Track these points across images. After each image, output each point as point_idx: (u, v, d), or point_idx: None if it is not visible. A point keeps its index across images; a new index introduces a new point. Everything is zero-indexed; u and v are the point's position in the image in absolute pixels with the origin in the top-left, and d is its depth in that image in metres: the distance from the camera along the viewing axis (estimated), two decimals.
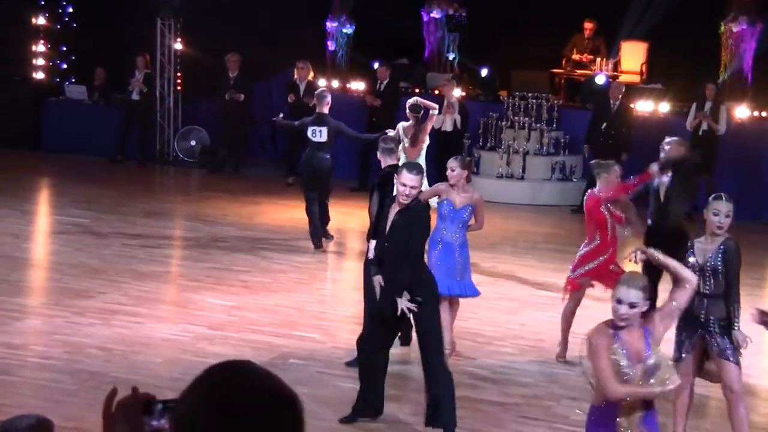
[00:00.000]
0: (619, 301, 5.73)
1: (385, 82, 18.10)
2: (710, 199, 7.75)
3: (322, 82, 19.13)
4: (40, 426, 4.36)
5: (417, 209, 7.90)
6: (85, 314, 10.21)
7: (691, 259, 7.41)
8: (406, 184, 7.89)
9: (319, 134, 13.24)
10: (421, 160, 12.49)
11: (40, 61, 20.72)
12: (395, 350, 9.65)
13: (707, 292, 7.46)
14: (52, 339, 9.45)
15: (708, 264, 7.46)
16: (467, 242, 9.53)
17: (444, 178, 9.93)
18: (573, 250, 14.53)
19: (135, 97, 19.59)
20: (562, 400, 8.71)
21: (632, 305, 5.71)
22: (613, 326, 5.77)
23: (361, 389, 8.16)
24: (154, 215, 15.17)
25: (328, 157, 13.35)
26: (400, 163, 13.44)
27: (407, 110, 13.11)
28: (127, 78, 19.64)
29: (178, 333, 9.83)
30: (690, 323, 7.49)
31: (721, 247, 7.49)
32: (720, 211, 7.54)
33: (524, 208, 17.15)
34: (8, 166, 18.41)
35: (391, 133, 11.99)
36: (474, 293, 9.65)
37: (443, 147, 17.58)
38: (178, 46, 20.22)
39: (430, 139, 13.39)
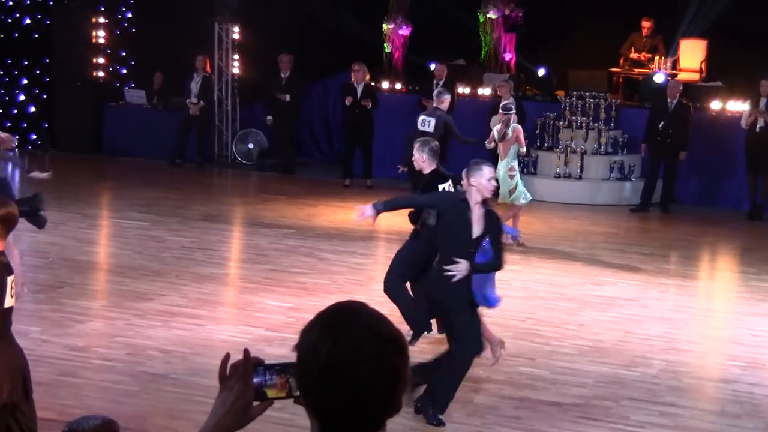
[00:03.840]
0: None
1: (441, 82, 18.08)
2: None
3: (384, 84, 19.24)
4: (106, 427, 4.42)
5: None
6: (145, 316, 10.31)
7: None
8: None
9: (427, 124, 14.12)
10: (511, 160, 13.89)
11: (101, 66, 20.98)
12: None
13: None
14: (113, 341, 9.56)
15: None
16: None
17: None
18: (632, 249, 14.51)
19: (192, 112, 19.64)
20: (622, 401, 8.64)
21: None
22: None
23: None
24: (213, 218, 15.28)
25: None
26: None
27: (500, 110, 14.27)
28: (186, 81, 19.80)
29: (237, 335, 9.89)
30: None
31: None
32: None
33: (582, 208, 17.06)
34: (70, 170, 18.66)
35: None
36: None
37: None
38: (235, 61, 20.37)
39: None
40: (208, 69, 19.93)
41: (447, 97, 14.57)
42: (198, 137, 19.84)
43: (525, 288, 11.93)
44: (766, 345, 10.22)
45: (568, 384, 8.99)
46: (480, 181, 7.92)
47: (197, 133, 19.82)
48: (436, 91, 14.99)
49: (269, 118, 19.24)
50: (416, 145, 9.63)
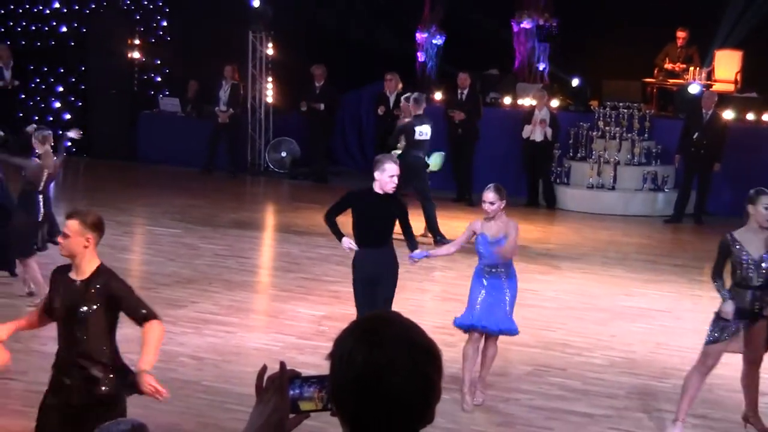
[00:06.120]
0: None
1: (466, 91, 17.97)
2: None
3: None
4: (135, 431, 4.44)
5: None
6: (177, 323, 10.36)
7: None
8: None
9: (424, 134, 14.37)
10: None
11: (136, 74, 21.12)
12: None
13: None
14: None
15: None
16: (515, 275, 8.66)
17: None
18: (664, 261, 14.44)
19: (221, 120, 19.71)
20: (653, 413, 8.61)
21: None
22: None
23: None
24: (246, 226, 15.34)
25: (421, 155, 14.40)
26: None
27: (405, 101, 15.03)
28: (215, 90, 19.86)
29: (268, 342, 9.93)
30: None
31: None
32: None
33: (615, 219, 17.00)
34: (104, 177, 18.79)
35: None
36: (510, 329, 8.59)
37: (532, 157, 17.58)
38: (268, 70, 20.43)
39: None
40: (236, 77, 19.98)
41: (402, 105, 15.12)
42: (228, 145, 19.89)
43: (556, 298, 11.91)
44: None
45: (599, 395, 8.96)
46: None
47: (227, 142, 19.88)
48: (414, 96, 15.00)
49: (303, 103, 19.20)
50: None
